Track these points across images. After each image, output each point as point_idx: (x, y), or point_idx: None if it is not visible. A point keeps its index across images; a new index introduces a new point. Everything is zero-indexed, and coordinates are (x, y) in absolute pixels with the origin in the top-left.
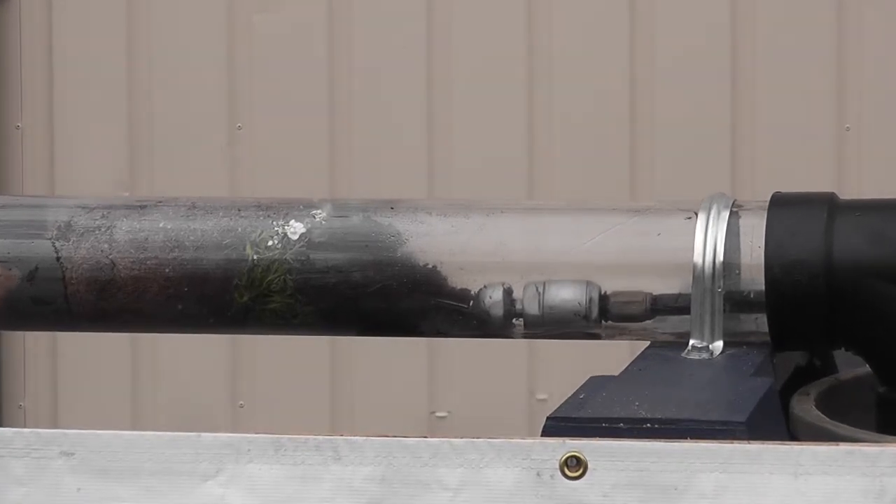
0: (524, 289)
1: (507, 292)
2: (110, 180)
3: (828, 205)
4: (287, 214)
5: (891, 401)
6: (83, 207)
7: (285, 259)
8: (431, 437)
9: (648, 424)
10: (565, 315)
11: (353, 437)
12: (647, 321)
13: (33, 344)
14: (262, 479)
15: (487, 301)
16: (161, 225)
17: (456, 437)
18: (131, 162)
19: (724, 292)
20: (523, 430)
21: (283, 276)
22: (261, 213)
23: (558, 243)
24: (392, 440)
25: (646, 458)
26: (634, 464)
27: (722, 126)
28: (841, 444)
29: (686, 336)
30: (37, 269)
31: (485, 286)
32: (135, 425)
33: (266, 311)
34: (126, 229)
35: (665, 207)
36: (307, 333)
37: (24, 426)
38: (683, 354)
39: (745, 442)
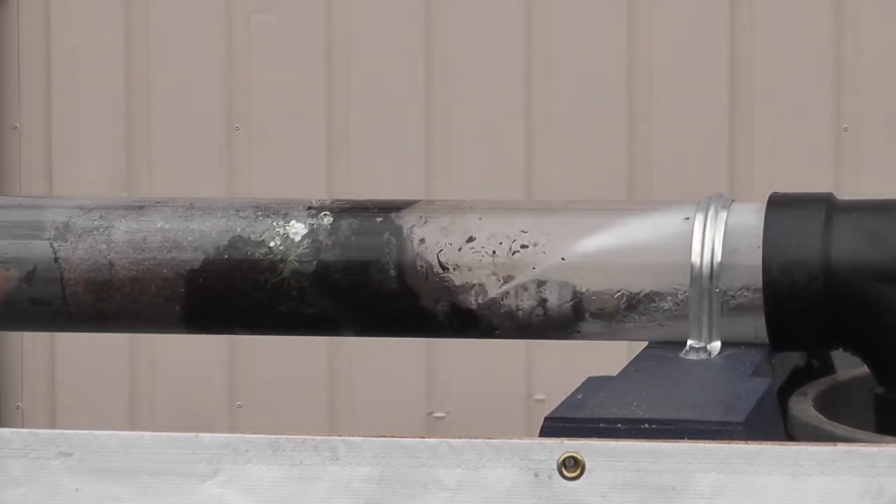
0: (522, 289)
1: (507, 292)
2: (108, 181)
3: (826, 205)
4: (287, 215)
5: (889, 401)
6: (81, 208)
7: (286, 259)
8: (429, 438)
9: (646, 425)
10: (560, 315)
11: (350, 438)
12: (644, 321)
13: (31, 344)
14: (260, 479)
15: (487, 301)
16: (159, 225)
17: (454, 438)
18: (129, 162)
19: (722, 293)
20: (521, 430)
21: (283, 276)
22: (260, 213)
23: (557, 243)
24: (390, 440)
25: (643, 458)
26: (632, 464)
27: (721, 126)
28: (838, 444)
29: (684, 336)
30: (35, 269)
31: (484, 287)
32: (133, 426)
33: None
34: (124, 230)
35: (663, 207)
36: (307, 333)
37: (22, 426)
38: (681, 355)
39: (743, 442)
